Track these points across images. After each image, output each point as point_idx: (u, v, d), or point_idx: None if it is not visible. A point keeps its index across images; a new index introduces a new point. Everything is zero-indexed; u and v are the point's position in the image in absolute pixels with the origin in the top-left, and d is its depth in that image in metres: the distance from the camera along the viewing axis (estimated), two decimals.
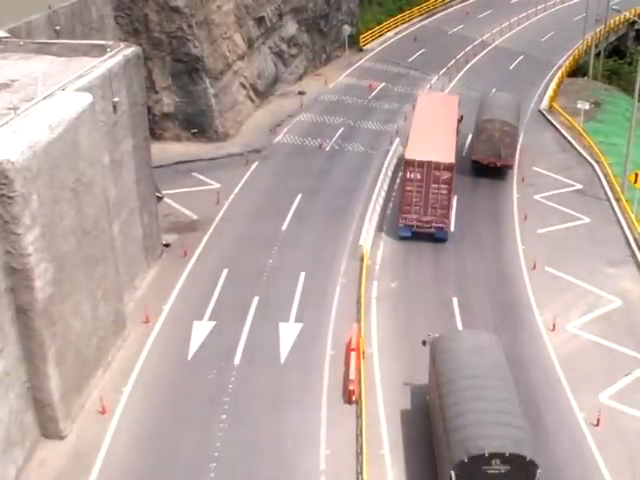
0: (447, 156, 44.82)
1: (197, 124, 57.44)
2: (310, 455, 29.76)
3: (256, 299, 38.96)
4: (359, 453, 29.52)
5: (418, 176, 43.90)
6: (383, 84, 72.02)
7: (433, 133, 48.15)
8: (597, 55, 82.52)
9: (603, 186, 53.21)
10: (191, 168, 53.33)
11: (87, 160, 31.15)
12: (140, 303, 38.30)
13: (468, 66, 77.89)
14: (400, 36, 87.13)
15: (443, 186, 44.00)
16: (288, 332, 36.61)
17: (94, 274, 32.23)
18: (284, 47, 69.42)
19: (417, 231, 45.04)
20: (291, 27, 70.40)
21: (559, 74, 76.55)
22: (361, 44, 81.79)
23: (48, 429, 29.92)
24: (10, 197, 26.27)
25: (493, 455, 24.56)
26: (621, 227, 47.41)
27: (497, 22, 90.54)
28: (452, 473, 24.83)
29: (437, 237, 45.13)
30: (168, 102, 56.79)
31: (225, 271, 41.32)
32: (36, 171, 27.26)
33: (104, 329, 33.41)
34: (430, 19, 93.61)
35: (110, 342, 34.13)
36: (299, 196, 49.71)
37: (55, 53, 36.77)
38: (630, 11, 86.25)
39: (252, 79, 64.09)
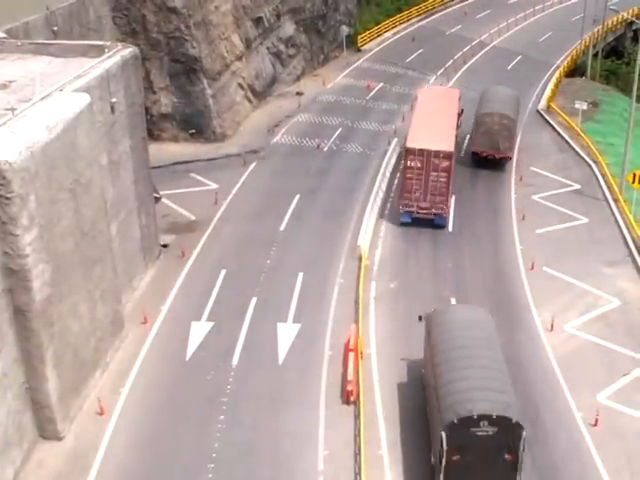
0: (446, 145, 46.37)
1: (195, 125, 57.43)
2: (308, 456, 29.76)
3: (254, 299, 38.95)
4: (357, 453, 29.56)
5: (418, 164, 45.45)
6: (381, 84, 72.05)
7: (433, 123, 49.67)
8: (595, 55, 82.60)
9: (601, 186, 53.24)
10: (189, 169, 53.32)
11: (85, 161, 31.13)
12: (138, 304, 38.28)
13: (466, 66, 77.93)
14: (398, 36, 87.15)
15: (442, 174, 45.58)
16: (286, 333, 36.60)
17: (92, 275, 32.21)
18: (282, 47, 69.44)
19: (417, 217, 46.51)
20: (289, 27, 70.41)
21: (557, 74, 76.59)
22: (359, 44, 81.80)
23: (46, 430, 29.91)
24: (8, 198, 26.25)
25: (481, 417, 25.88)
26: (619, 227, 47.43)
27: (495, 22, 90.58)
28: (443, 434, 26.19)
29: (436, 223, 46.54)
30: (166, 103, 56.78)
31: (223, 272, 41.31)
32: (34, 172, 27.25)
33: (102, 330, 33.38)
34: (428, 19, 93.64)
35: (108, 343, 34.11)
36: (297, 196, 49.71)
37: (53, 54, 36.73)
38: (628, 11, 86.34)
39: (250, 80, 64.09)
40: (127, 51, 37.69)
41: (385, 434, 31.01)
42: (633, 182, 48.02)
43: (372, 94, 69.78)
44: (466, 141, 58.85)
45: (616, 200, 50.71)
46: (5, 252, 26.88)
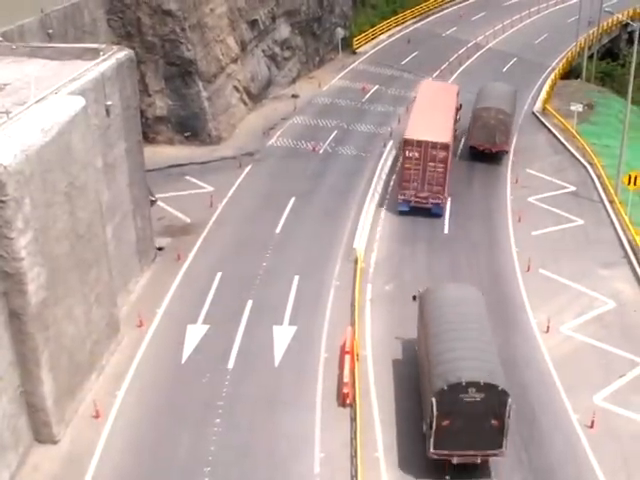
0: (444, 136, 47.98)
1: (190, 127, 57.37)
2: (305, 458, 29.76)
3: (250, 302, 38.91)
4: (354, 456, 29.57)
5: (416, 155, 47.08)
6: (376, 87, 72.00)
7: (432, 116, 51.23)
8: (590, 57, 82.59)
9: (597, 188, 53.28)
10: (184, 171, 53.27)
11: (80, 164, 31.10)
12: (134, 307, 38.25)
13: (461, 68, 77.91)
14: (393, 39, 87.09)
15: (439, 164, 47.22)
16: (282, 335, 36.58)
17: (87, 278, 32.16)
18: (277, 50, 69.41)
19: (415, 206, 48.11)
20: (284, 30, 70.38)
21: (552, 76, 76.61)
22: (354, 47, 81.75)
23: (41, 434, 29.86)
24: (2, 201, 26.22)
25: (469, 384, 27.52)
26: (614, 229, 47.45)
27: (490, 24, 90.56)
28: (433, 400, 27.81)
29: (433, 212, 48.20)
30: (161, 105, 56.72)
31: (219, 274, 41.27)
32: (29, 175, 27.21)
33: (98, 333, 33.34)
34: (423, 22, 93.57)
35: (104, 346, 34.06)
36: (293, 199, 49.68)
37: (48, 57, 36.69)
38: (623, 13, 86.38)
39: (245, 82, 64.06)
40: (122, 54, 37.67)
41: (381, 436, 31.02)
42: (629, 184, 48.12)
43: (367, 96, 69.76)
44: (462, 142, 58.93)
45: (612, 202, 50.74)
46: (0, 255, 26.83)
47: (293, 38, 71.89)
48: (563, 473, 29.64)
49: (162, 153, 54.79)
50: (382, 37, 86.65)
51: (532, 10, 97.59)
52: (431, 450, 28.65)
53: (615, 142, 58.50)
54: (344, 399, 32.19)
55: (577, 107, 63.10)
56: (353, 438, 30.36)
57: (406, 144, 47.51)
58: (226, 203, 49.34)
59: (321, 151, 57.91)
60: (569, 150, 59.84)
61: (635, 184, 48.00)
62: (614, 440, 31.12)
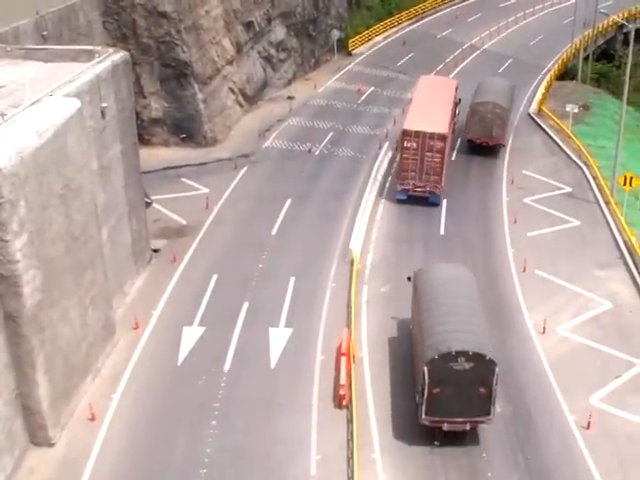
0: (441, 128, 49.61)
1: (186, 129, 57.28)
2: (301, 460, 29.70)
3: (246, 304, 38.87)
4: (350, 458, 29.51)
5: (414, 145, 48.86)
6: (372, 88, 72.04)
7: (430, 109, 52.88)
8: (586, 58, 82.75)
9: (592, 189, 53.31)
10: (180, 173, 53.18)
11: (75, 166, 31.04)
12: (129, 309, 38.17)
13: (457, 70, 77.90)
14: (389, 40, 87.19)
15: (437, 154, 48.94)
16: (278, 337, 36.53)
17: (83, 280, 32.11)
18: (273, 52, 69.38)
19: (412, 195, 49.80)
20: (280, 32, 70.37)
21: (548, 77, 76.66)
22: (350, 48, 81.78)
23: (37, 436, 29.79)
24: None
25: (459, 353, 29.05)
26: (610, 230, 47.47)
27: (486, 26, 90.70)
28: (425, 369, 29.32)
29: (431, 201, 49.86)
30: (156, 107, 56.64)
31: (215, 276, 41.22)
32: (24, 177, 27.15)
33: (93, 335, 33.27)
34: (419, 23, 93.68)
35: (99, 348, 34.00)
36: (289, 201, 49.65)
37: (43, 59, 36.67)
38: (618, 14, 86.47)
39: (241, 84, 64.02)
40: (117, 56, 37.62)
41: (378, 438, 30.98)
42: (624, 185, 48.17)
43: (363, 98, 69.77)
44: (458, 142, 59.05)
45: (607, 203, 50.77)
46: None
47: (289, 40, 71.88)
48: (559, 474, 29.63)
49: (157, 155, 54.74)
50: (378, 39, 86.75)
51: (527, 12, 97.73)
52: (423, 417, 30.13)
53: (611, 143, 58.57)
54: (340, 401, 32.15)
55: (573, 108, 63.19)
56: (349, 440, 30.32)
57: (404, 134, 49.22)
58: (222, 205, 49.30)
59: (317, 153, 57.89)
60: (565, 151, 59.89)
61: (631, 185, 48.09)
62: (610, 441, 31.11)
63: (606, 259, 44.28)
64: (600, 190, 52.69)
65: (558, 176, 55.47)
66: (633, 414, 32.49)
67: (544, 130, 64.24)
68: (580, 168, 56.81)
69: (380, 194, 51.55)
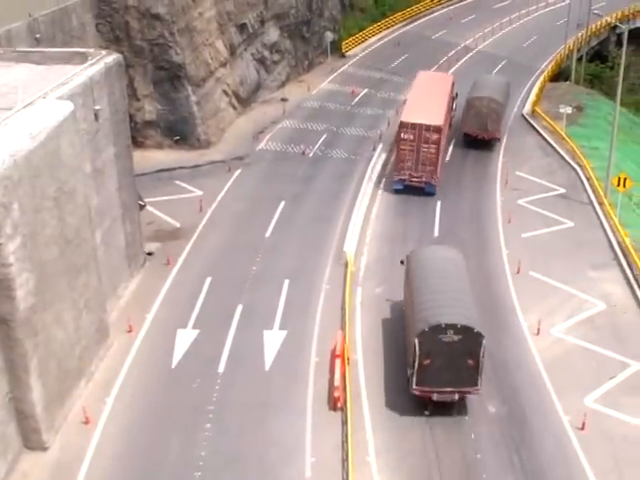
0: (436, 120, 51.59)
1: (179, 131, 57.19)
2: (295, 463, 29.67)
3: (240, 307, 38.81)
4: (345, 460, 29.47)
5: (411, 136, 51.01)
6: (366, 90, 72.04)
7: (427, 102, 54.69)
8: (579, 59, 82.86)
9: (586, 190, 53.35)
10: (173, 176, 53.09)
11: (69, 168, 30.97)
12: (123, 312, 38.08)
13: (451, 71, 77.61)
14: (383, 42, 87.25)
15: (432, 146, 50.99)
16: (272, 340, 36.49)
17: (76, 283, 32.03)
18: (266, 53, 69.30)
19: (409, 185, 51.62)
20: (273, 33, 70.32)
21: (541, 78, 76.77)
22: (344, 50, 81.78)
23: (31, 440, 29.70)
24: None
25: (448, 326, 30.66)
26: (604, 231, 47.51)
27: (480, 27, 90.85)
28: (416, 341, 30.90)
29: (427, 191, 51.69)
30: (150, 110, 56.55)
31: (209, 279, 41.15)
32: (17, 180, 27.09)
33: (87, 339, 33.19)
34: (413, 24, 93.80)
35: (93, 352, 33.92)
36: (282, 203, 49.62)
37: (36, 61, 36.55)
38: (611, 15, 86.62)
39: (234, 86, 63.96)
40: (111, 58, 37.53)
41: (373, 440, 30.96)
42: (618, 186, 48.20)
43: (357, 100, 69.78)
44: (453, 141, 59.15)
45: (601, 204, 50.81)
46: None
47: (282, 42, 71.83)
48: (554, 475, 29.64)
49: (151, 157, 54.64)
50: (371, 40, 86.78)
51: (521, 13, 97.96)
52: (414, 387, 31.69)
53: (604, 144, 58.64)
54: (335, 403, 32.11)
55: (566, 109, 63.39)
56: (344, 442, 30.28)
57: (402, 126, 51.27)
58: (215, 207, 49.23)
59: (311, 154, 57.86)
60: (558, 152, 59.96)
61: (624, 186, 48.13)
62: (605, 442, 31.13)
63: (600, 260, 44.31)
64: (594, 191, 52.74)
65: (552, 177, 55.52)
66: (628, 415, 32.50)
67: (538, 131, 64.31)
68: (574, 169, 56.87)
69: (374, 195, 51.52)
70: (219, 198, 50.45)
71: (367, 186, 51.91)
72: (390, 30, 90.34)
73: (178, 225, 46.79)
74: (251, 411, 32.11)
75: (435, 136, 50.81)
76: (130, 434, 30.97)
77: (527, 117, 67.41)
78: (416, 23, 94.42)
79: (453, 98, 60.78)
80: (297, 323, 37.79)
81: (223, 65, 61.90)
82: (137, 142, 52.63)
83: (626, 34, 53.39)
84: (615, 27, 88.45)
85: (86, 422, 31.17)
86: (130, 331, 36.84)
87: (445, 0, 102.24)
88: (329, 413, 32.05)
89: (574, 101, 70.42)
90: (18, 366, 28.42)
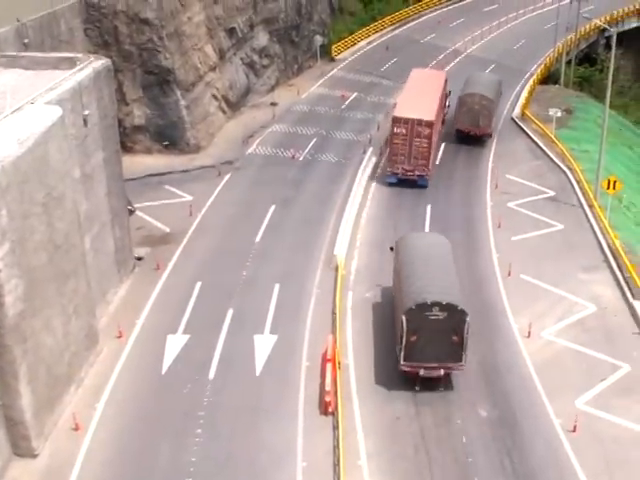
0: (428, 115, 53.15)
1: (168, 136, 57.07)
2: (287, 468, 29.58)
3: (230, 312, 38.71)
4: (336, 464, 29.40)
5: (403, 131, 52.60)
6: (356, 94, 72.05)
7: (419, 98, 56.30)
8: (568, 63, 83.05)
9: (576, 193, 53.44)
10: (163, 181, 52.98)
11: (57, 174, 30.85)
12: (113, 318, 37.93)
13: None
14: (372, 45, 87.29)
15: (424, 140, 52.60)
16: (263, 344, 36.39)
17: (65, 289, 31.90)
18: (256, 58, 69.27)
19: (402, 178, 53.32)
20: (262, 38, 70.30)
21: (531, 82, 76.92)
22: (333, 54, 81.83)
23: (20, 447, 29.52)
24: None
25: (434, 303, 32.24)
26: (594, 233, 47.56)
27: (469, 30, 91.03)
28: (403, 318, 32.50)
29: (419, 184, 53.37)
30: (139, 114, 56.43)
31: (199, 284, 41.05)
32: (5, 186, 26.95)
33: (76, 345, 33.05)
34: (402, 28, 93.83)
35: (83, 358, 33.78)
36: (273, 207, 49.55)
37: (24, 66, 36.42)
38: (600, 18, 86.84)
39: (224, 90, 63.90)
40: (99, 63, 37.45)
41: (364, 444, 30.88)
42: (608, 188, 48.25)
43: (347, 103, 69.78)
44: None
45: (591, 206, 50.89)
46: None
47: (271, 46, 71.83)
48: (546, 477, 29.65)
49: (140, 162, 54.49)
50: (361, 44, 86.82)
51: (510, 16, 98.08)
52: (401, 362, 33.18)
53: (594, 147, 58.72)
54: (326, 407, 32.03)
55: (556, 112, 63.45)
56: (335, 446, 30.20)
57: (394, 121, 52.97)
58: (205, 212, 49.13)
59: (301, 159, 57.82)
60: (548, 155, 60.07)
61: (614, 188, 48.18)
62: (596, 444, 31.14)
63: (590, 262, 44.37)
64: (584, 194, 52.81)
65: (542, 180, 55.59)
66: (618, 417, 32.53)
67: (527, 134, 64.43)
68: (564, 172, 56.96)
69: (364, 200, 51.47)
70: (209, 203, 50.35)
71: (357, 190, 51.79)
72: (379, 34, 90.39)
73: (168, 230, 46.67)
74: (242, 416, 32.02)
75: (427, 130, 52.29)
76: (120, 440, 30.83)
77: (517, 120, 67.52)
78: (405, 27, 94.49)
79: (446, 95, 62.43)
80: (288, 327, 37.71)
81: (212, 69, 61.83)
82: (126, 147, 52.49)
83: (615, 37, 53.47)
84: (604, 30, 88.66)
85: (76, 428, 31.03)
86: (120, 337, 36.70)
87: (434, 4, 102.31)
88: (320, 417, 31.97)
89: (564, 104, 70.55)
90: (7, 373, 28.27)
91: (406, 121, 52.48)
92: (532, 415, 32.73)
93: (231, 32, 64.75)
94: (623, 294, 41.27)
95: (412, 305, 32.43)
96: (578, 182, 54.70)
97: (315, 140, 61.18)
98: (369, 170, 55.62)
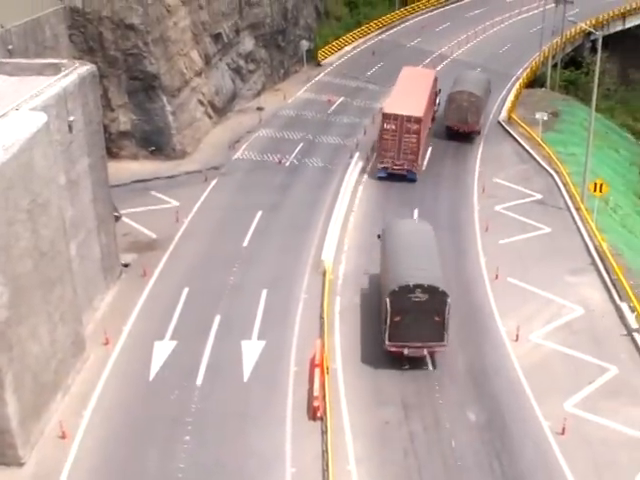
0: (417, 111, 54.78)
1: (154, 142, 56.91)
2: (275, 473, 29.48)
3: (218, 317, 38.58)
4: (325, 470, 29.31)
5: (393, 127, 54.17)
6: (342, 98, 72.07)
7: (408, 95, 57.89)
8: (554, 66, 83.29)
9: (563, 196, 53.53)
10: (149, 186, 52.80)
11: (42, 180, 30.68)
12: (100, 324, 37.74)
13: None
14: (358, 50, 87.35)
15: (413, 135, 54.19)
16: (251, 350, 36.27)
17: (51, 296, 31.71)
18: (242, 63, 69.20)
19: (392, 172, 54.94)
20: (248, 43, 70.25)
21: (517, 85, 77.04)
22: (319, 59, 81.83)
23: (6, 456, 29.31)
24: None
25: (416, 286, 33.92)
26: (581, 236, 47.65)
27: (455, 35, 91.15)
28: (387, 300, 34.15)
29: (409, 178, 55.03)
30: (125, 120, 56.25)
31: (186, 290, 40.90)
32: None
33: (63, 352, 32.86)
34: (388, 33, 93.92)
35: (69, 365, 33.58)
36: (259, 212, 49.43)
37: (8, 72, 36.20)
38: (586, 22, 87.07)
39: (210, 96, 63.79)
40: (84, 69, 37.27)
41: (353, 449, 30.79)
42: (594, 191, 48.40)
43: (333, 108, 69.79)
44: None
45: (578, 209, 50.98)
46: None
47: (257, 51, 71.80)
48: None
49: (126, 168, 54.30)
50: (347, 48, 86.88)
51: (495, 20, 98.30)
52: (387, 342, 34.77)
53: (580, 150, 58.91)
54: (314, 413, 31.95)
55: (542, 115, 63.70)
56: (324, 451, 30.12)
57: (384, 117, 54.43)
58: (192, 218, 48.98)
59: (287, 164, 57.76)
60: (535, 158, 60.18)
61: (601, 191, 48.36)
62: (585, 446, 31.17)
63: (577, 265, 44.43)
64: (571, 197, 52.92)
65: (529, 183, 55.68)
66: (606, 419, 32.57)
67: (514, 138, 64.53)
68: (550, 175, 57.08)
69: (351, 204, 51.38)
70: (196, 208, 50.20)
71: (344, 195, 51.70)
72: (365, 38, 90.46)
73: (154, 236, 46.49)
74: (230, 422, 31.90)
75: (416, 126, 53.83)
76: (107, 447, 30.66)
77: (503, 124, 67.63)
78: (391, 31, 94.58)
79: (436, 93, 63.60)
80: (276, 333, 37.61)
81: (198, 75, 61.72)
82: (112, 153, 52.33)
83: (600, 40, 53.65)
84: (589, 33, 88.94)
85: (63, 436, 30.83)
86: (107, 343, 36.52)
87: (420, 8, 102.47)
88: (309, 423, 31.90)
89: (550, 107, 70.74)
90: None
91: (395, 117, 53.85)
92: (521, 418, 32.72)
93: (217, 37, 64.67)
94: (610, 296, 41.34)
95: (395, 287, 34.04)
96: (565, 185, 54.81)
97: (302, 145, 61.13)
98: (356, 174, 55.55)
